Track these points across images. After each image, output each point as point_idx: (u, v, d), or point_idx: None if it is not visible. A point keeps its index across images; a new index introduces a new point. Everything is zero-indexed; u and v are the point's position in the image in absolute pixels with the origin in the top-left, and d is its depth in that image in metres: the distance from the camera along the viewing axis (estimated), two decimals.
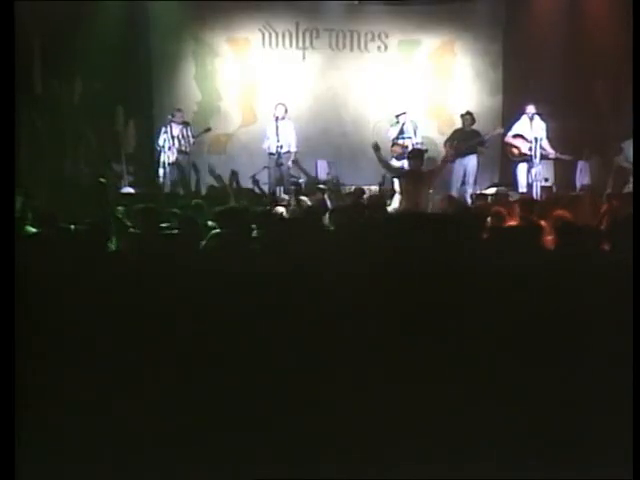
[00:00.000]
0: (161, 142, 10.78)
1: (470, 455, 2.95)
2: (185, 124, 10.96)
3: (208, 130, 11.08)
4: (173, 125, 10.91)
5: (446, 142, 11.15)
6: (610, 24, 10.91)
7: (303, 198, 8.85)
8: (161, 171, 10.75)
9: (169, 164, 10.76)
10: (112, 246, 5.29)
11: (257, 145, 11.36)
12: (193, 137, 10.92)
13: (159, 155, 10.81)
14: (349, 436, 2.98)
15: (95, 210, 6.88)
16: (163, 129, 10.88)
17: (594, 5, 11.57)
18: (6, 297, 3.12)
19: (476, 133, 11.13)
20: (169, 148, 10.76)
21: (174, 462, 2.95)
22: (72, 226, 5.73)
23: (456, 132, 11.26)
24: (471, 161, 11.07)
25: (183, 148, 10.86)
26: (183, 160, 10.89)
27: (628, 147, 10.37)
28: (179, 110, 11.12)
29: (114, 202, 7.78)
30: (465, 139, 10.97)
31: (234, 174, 10.20)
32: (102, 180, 9.65)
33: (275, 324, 3.29)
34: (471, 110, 11.55)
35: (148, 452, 2.96)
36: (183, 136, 10.88)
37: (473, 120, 11.20)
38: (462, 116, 11.29)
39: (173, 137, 10.83)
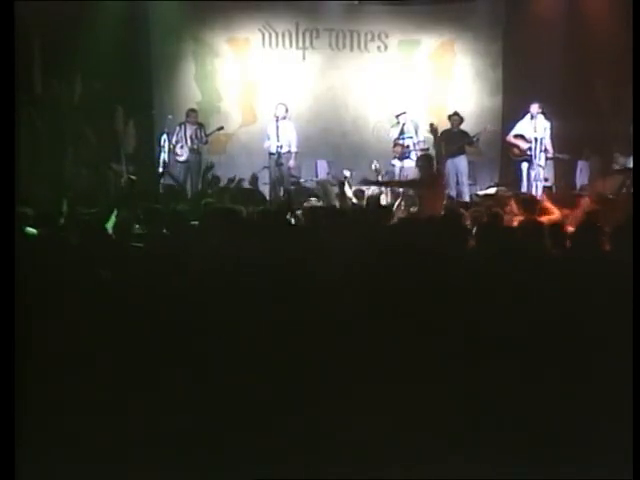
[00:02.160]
0: (173, 141, 10.88)
1: (469, 455, 2.95)
2: (199, 125, 11.06)
3: (221, 129, 11.14)
4: (187, 125, 11.01)
5: (435, 144, 11.14)
6: (610, 24, 10.92)
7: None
8: (165, 171, 10.86)
9: (180, 162, 10.88)
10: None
11: (257, 145, 11.37)
12: (206, 136, 11.01)
13: (167, 155, 10.89)
14: (347, 436, 2.98)
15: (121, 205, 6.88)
16: (177, 129, 11.00)
17: (594, 5, 11.57)
18: (6, 297, 3.12)
19: (464, 134, 11.13)
20: (181, 147, 10.89)
21: (174, 462, 2.95)
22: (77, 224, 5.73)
23: (444, 133, 11.24)
24: (461, 162, 11.07)
25: (195, 147, 10.96)
26: (195, 159, 10.97)
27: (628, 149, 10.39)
28: (193, 111, 11.22)
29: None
30: (453, 140, 10.96)
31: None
32: (132, 177, 9.69)
33: (278, 324, 3.29)
34: (471, 110, 11.56)
35: (149, 452, 2.96)
36: (197, 136, 10.99)
37: (461, 120, 11.22)
38: (450, 117, 11.29)
39: (186, 137, 10.96)
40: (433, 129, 9.93)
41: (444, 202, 8.63)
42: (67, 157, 10.99)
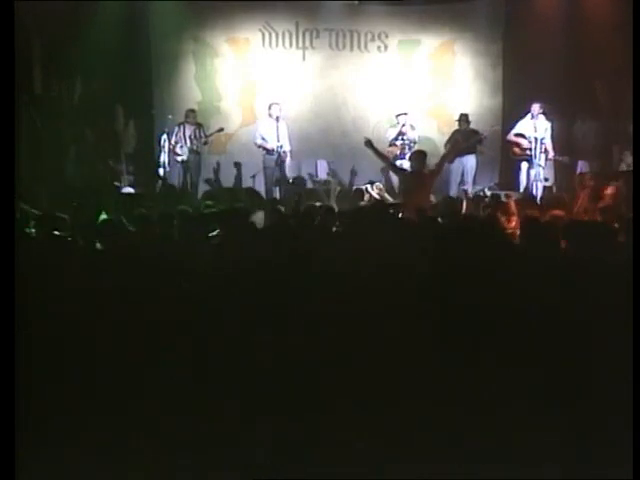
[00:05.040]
0: (173, 142, 10.87)
1: (470, 454, 2.95)
2: (198, 125, 11.06)
3: (221, 130, 11.15)
4: (186, 126, 11.01)
5: (446, 143, 11.19)
6: (610, 24, 10.91)
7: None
8: (165, 171, 10.87)
9: (180, 163, 10.88)
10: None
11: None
12: (206, 137, 11.01)
13: (167, 155, 10.89)
14: (353, 437, 2.98)
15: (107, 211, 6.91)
16: (176, 129, 10.99)
17: (594, 5, 11.57)
18: (6, 297, 3.12)
19: (474, 132, 11.17)
20: (181, 147, 10.89)
21: (174, 462, 2.95)
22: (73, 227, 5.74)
23: (455, 133, 11.29)
24: (470, 161, 11.12)
25: (195, 148, 10.96)
26: (194, 159, 10.98)
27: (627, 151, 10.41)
28: (192, 111, 11.21)
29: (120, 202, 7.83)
30: (464, 139, 11.00)
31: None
32: (117, 184, 9.71)
33: (283, 326, 3.29)
34: (471, 110, 11.59)
35: (148, 452, 2.96)
36: (196, 136, 10.97)
37: (468, 122, 11.28)
38: (458, 120, 11.35)
39: (185, 137, 10.95)
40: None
41: (429, 200, 8.66)
42: (67, 157, 11.01)
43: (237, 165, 11.60)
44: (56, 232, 5.54)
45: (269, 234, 5.16)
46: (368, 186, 10.36)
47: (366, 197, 9.93)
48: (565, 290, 3.56)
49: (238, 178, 11.40)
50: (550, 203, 8.04)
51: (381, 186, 10.45)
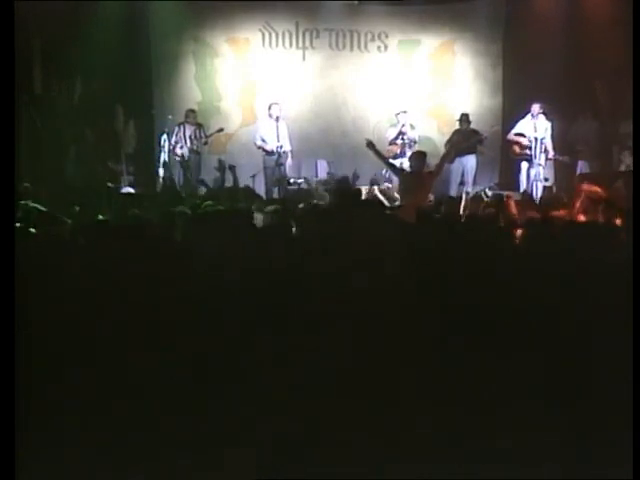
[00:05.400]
0: (173, 142, 10.90)
1: (470, 454, 2.94)
2: (198, 125, 11.09)
3: (221, 130, 11.18)
4: (186, 126, 11.03)
5: (446, 143, 11.21)
6: (610, 24, 10.92)
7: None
8: (166, 171, 10.90)
9: (180, 163, 10.91)
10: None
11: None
12: (206, 137, 11.04)
13: (167, 155, 10.92)
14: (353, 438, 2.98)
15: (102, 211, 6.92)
16: (176, 129, 11.02)
17: (594, 5, 11.58)
18: (6, 297, 3.12)
19: (475, 132, 11.19)
20: (181, 147, 10.92)
21: (175, 462, 2.95)
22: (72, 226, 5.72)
23: (455, 133, 11.32)
24: (470, 161, 11.14)
25: (195, 148, 10.99)
26: (195, 159, 11.01)
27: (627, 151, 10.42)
28: (192, 111, 11.25)
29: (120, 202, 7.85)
30: (465, 139, 11.03)
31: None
32: (110, 185, 9.74)
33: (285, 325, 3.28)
34: (471, 110, 11.61)
35: (148, 452, 2.95)
36: (196, 137, 11.01)
37: (469, 122, 11.30)
38: (459, 120, 11.37)
39: (185, 137, 10.98)
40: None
41: (428, 200, 8.68)
42: (67, 157, 11.02)
43: (237, 165, 11.61)
44: (56, 232, 5.53)
45: (269, 234, 5.15)
46: (375, 187, 10.38)
47: (368, 197, 9.94)
48: (565, 290, 3.55)
49: (238, 178, 11.40)
50: (550, 203, 8.04)
51: (390, 185, 10.47)
